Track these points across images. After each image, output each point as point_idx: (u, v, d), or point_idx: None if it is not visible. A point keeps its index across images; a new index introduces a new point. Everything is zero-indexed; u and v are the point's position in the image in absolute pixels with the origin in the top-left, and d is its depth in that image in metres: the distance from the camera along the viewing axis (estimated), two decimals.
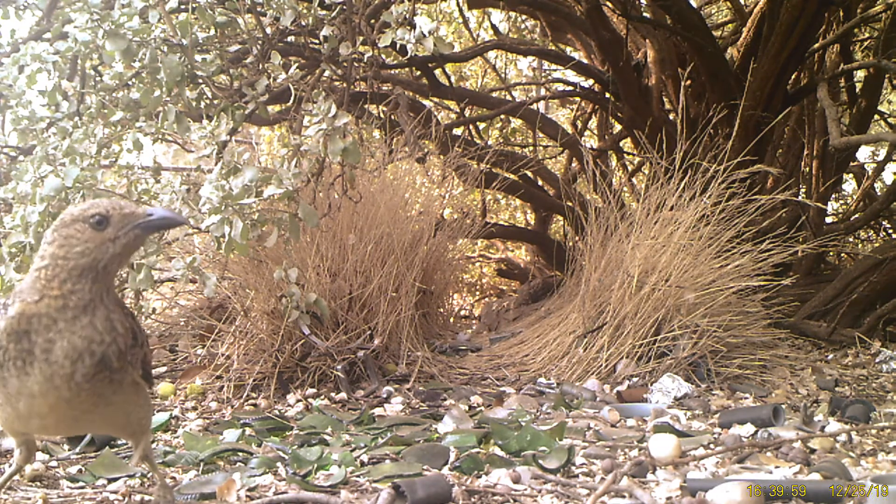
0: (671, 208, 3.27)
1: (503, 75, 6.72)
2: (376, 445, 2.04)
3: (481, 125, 5.82)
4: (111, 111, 2.24)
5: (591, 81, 5.32)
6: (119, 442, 2.07)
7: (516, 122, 6.20)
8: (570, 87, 5.71)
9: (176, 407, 2.57)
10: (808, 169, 5.34)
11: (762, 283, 3.12)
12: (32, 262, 1.30)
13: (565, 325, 3.40)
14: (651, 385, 2.79)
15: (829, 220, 5.94)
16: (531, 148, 6.02)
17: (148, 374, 1.41)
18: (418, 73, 4.70)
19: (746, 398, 2.71)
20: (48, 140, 2.17)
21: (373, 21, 2.39)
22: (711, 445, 2.05)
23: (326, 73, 2.44)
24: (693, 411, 2.52)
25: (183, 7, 2.30)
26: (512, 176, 4.98)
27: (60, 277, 1.25)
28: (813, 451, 1.98)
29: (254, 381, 2.72)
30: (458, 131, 5.13)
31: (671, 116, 4.85)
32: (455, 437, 2.06)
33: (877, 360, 3.42)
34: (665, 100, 4.98)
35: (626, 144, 6.12)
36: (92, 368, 1.25)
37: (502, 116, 5.77)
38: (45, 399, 1.24)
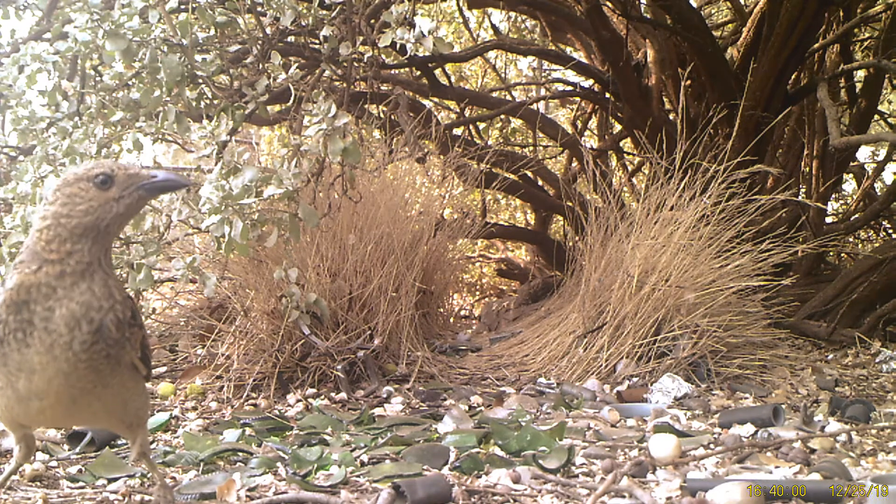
0: (671, 208, 3.27)
1: (503, 75, 6.71)
2: (376, 445, 2.04)
3: (481, 125, 5.82)
4: (111, 111, 2.24)
5: (591, 81, 5.32)
6: (119, 442, 2.07)
7: (516, 122, 6.20)
8: (570, 87, 5.71)
9: (176, 407, 2.57)
10: (808, 169, 5.34)
11: (762, 283, 3.11)
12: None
13: (565, 325, 3.40)
14: (651, 385, 2.79)
15: (829, 220, 5.94)
16: (531, 148, 6.01)
17: (146, 359, 1.40)
18: (418, 73, 4.70)
19: (746, 398, 2.71)
20: (48, 140, 2.17)
21: (373, 21, 2.39)
22: (711, 445, 2.05)
23: (326, 73, 2.44)
24: (693, 411, 2.52)
25: (183, 7, 2.31)
26: (512, 176, 4.98)
27: (61, 237, 1.25)
28: (813, 451, 1.98)
29: (254, 381, 2.72)
30: (458, 131, 5.13)
31: (671, 116, 4.85)
32: (455, 437, 2.06)
33: (877, 360, 3.42)
34: (665, 100, 4.98)
35: (626, 144, 6.12)
36: (90, 337, 1.24)
37: (502, 116, 5.77)
38: (44, 372, 1.23)
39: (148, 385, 1.47)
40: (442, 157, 4.31)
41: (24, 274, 1.24)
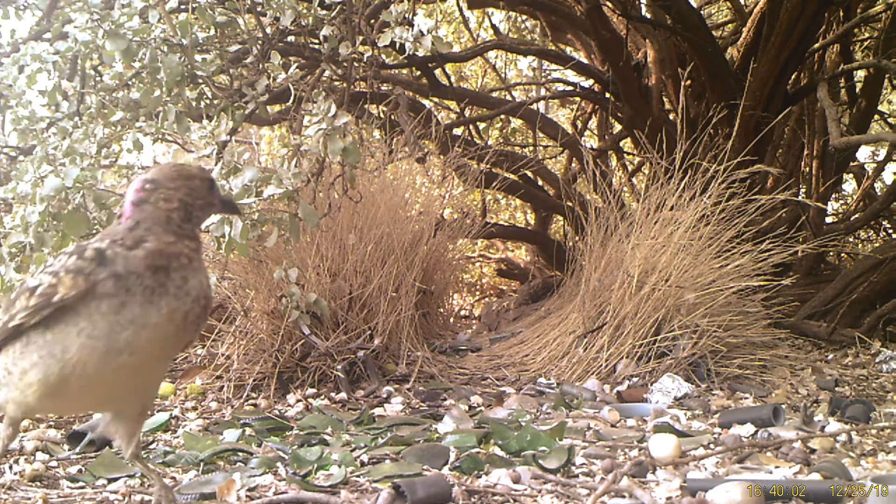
0: (671, 208, 3.27)
1: (503, 75, 6.72)
2: (376, 445, 2.04)
3: (481, 125, 5.82)
4: (111, 111, 2.24)
5: (591, 81, 5.32)
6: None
7: (516, 122, 6.20)
8: (570, 87, 5.71)
9: (176, 407, 2.57)
10: (808, 169, 5.34)
11: (762, 283, 3.11)
12: (33, 260, 1.32)
13: (565, 325, 3.40)
14: (651, 385, 2.79)
15: (829, 220, 5.94)
16: (531, 148, 6.01)
17: None
18: (418, 73, 4.70)
19: (746, 398, 2.71)
20: (48, 140, 2.17)
21: (372, 21, 2.39)
22: (711, 445, 2.05)
23: (326, 73, 2.44)
24: (693, 411, 2.52)
25: (183, 7, 2.31)
26: (512, 176, 4.98)
27: (194, 221, 1.36)
28: (813, 451, 1.98)
29: (254, 381, 2.72)
30: (458, 131, 5.13)
31: (671, 116, 4.85)
32: (455, 437, 2.06)
33: (877, 360, 3.42)
34: (665, 100, 4.98)
35: (626, 144, 6.12)
36: (203, 311, 1.32)
37: (502, 116, 5.77)
38: (154, 330, 1.27)
39: None
40: (442, 157, 4.31)
41: (163, 242, 1.29)
